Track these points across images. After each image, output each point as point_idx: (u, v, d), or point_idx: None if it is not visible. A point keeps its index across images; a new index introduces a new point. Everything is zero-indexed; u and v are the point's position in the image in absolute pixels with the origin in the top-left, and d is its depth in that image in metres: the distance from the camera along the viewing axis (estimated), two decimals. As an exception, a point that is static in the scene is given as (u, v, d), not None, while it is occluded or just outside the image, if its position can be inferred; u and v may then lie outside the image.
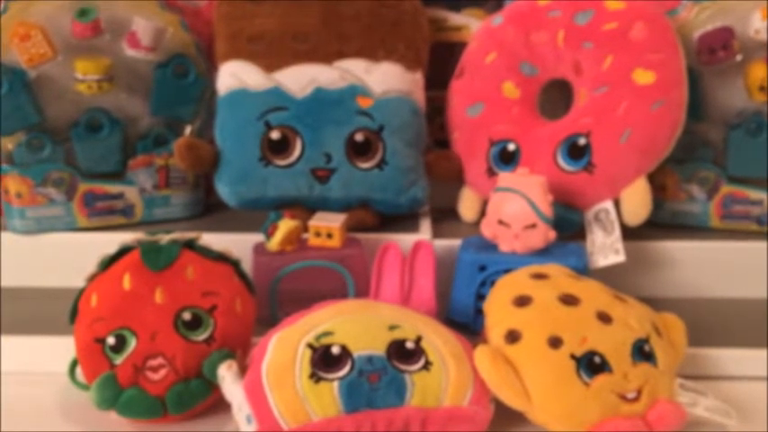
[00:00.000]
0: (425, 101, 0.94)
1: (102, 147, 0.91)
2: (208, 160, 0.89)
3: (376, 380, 0.61)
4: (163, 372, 0.66)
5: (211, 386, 0.67)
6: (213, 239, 0.74)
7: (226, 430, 0.66)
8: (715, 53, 0.86)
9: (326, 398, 0.60)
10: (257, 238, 0.83)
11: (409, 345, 0.64)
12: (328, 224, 0.81)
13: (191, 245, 0.72)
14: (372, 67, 0.91)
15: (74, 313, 0.71)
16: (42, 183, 0.89)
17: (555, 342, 0.64)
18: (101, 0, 0.87)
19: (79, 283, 0.72)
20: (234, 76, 0.89)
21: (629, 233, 0.83)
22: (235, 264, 0.74)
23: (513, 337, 0.66)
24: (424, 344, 0.65)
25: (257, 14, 0.91)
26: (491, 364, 0.64)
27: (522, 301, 0.68)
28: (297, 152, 0.88)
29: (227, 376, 0.64)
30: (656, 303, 0.73)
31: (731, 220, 0.91)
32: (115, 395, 0.66)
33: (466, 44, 0.98)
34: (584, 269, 0.77)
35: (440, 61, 0.99)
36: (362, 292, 0.80)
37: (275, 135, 0.87)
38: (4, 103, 0.86)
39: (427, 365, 0.63)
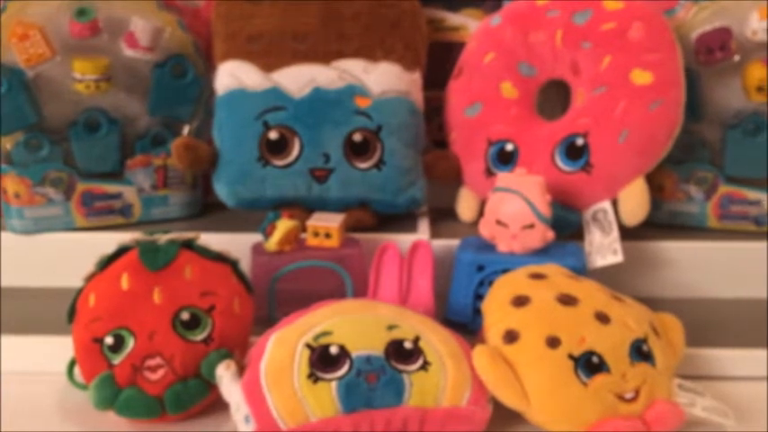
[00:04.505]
0: (424, 101, 0.94)
1: (100, 146, 0.91)
2: (206, 160, 0.89)
3: (374, 380, 0.61)
4: (161, 372, 0.66)
5: (210, 386, 0.67)
6: (211, 239, 0.74)
7: (224, 430, 0.66)
8: (713, 53, 0.86)
9: (325, 398, 0.60)
10: (255, 237, 0.83)
11: (407, 345, 0.64)
12: (326, 224, 0.81)
13: (189, 245, 0.72)
14: (371, 67, 0.91)
15: (72, 313, 0.71)
16: (40, 183, 0.89)
17: (553, 342, 0.64)
18: (99, 0, 0.87)
19: (77, 282, 0.72)
20: (232, 75, 0.89)
21: (627, 233, 0.83)
22: (233, 264, 0.74)
23: (511, 337, 0.66)
24: (422, 344, 0.65)
25: (256, 14, 0.91)
26: (489, 364, 0.64)
27: (521, 301, 0.68)
28: (295, 152, 0.88)
29: (225, 376, 0.64)
30: (654, 303, 0.73)
31: (729, 220, 0.91)
32: (113, 395, 0.66)
33: (464, 44, 0.98)
34: (582, 269, 0.77)
35: (438, 61, 0.99)
36: (361, 291, 0.80)
37: (273, 135, 0.87)
38: (2, 103, 0.86)
39: (425, 365, 0.63)
